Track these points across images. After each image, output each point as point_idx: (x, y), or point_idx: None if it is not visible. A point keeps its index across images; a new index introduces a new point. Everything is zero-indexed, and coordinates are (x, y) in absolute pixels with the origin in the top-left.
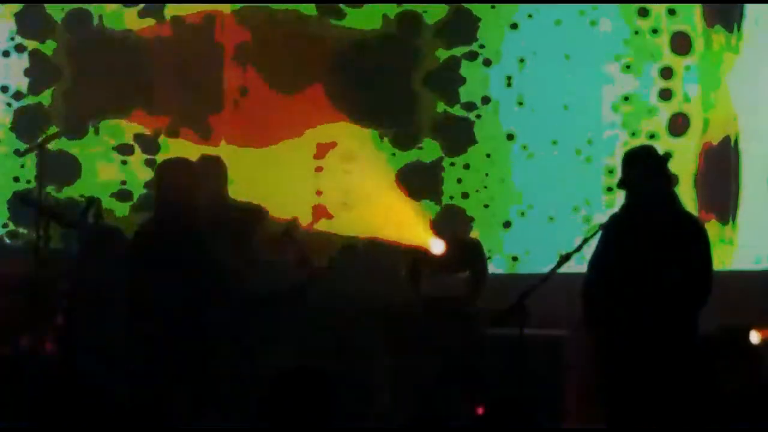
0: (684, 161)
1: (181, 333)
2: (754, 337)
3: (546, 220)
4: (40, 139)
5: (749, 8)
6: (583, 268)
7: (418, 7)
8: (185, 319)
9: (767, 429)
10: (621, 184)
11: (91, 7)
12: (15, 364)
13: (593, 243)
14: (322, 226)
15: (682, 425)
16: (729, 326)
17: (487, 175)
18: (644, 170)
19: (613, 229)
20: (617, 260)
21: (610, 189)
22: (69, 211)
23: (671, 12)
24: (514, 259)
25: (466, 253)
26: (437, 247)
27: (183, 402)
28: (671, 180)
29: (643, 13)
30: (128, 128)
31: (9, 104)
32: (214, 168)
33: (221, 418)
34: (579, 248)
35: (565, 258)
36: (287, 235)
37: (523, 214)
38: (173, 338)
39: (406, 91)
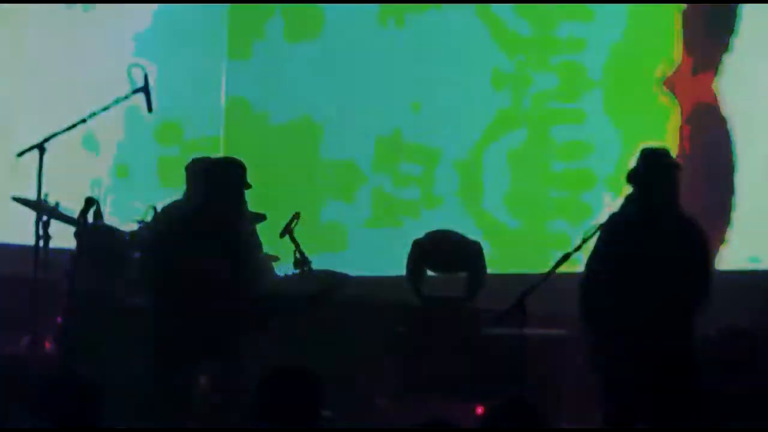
0: None
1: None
2: None
3: None
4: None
5: (746, 8)
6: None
7: None
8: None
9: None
10: (630, 179)
11: None
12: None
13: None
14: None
15: (679, 425)
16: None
17: None
18: (657, 171)
19: (612, 229)
20: (616, 260)
21: None
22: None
23: None
24: None
25: (467, 254)
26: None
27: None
28: (678, 186)
29: None
30: None
31: None
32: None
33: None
34: (578, 248)
35: (564, 257)
36: (288, 233)
37: None
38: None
39: None
